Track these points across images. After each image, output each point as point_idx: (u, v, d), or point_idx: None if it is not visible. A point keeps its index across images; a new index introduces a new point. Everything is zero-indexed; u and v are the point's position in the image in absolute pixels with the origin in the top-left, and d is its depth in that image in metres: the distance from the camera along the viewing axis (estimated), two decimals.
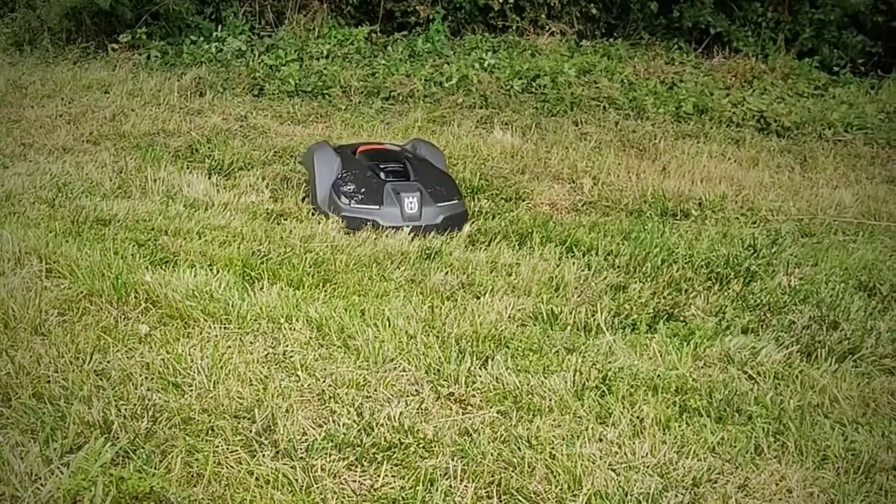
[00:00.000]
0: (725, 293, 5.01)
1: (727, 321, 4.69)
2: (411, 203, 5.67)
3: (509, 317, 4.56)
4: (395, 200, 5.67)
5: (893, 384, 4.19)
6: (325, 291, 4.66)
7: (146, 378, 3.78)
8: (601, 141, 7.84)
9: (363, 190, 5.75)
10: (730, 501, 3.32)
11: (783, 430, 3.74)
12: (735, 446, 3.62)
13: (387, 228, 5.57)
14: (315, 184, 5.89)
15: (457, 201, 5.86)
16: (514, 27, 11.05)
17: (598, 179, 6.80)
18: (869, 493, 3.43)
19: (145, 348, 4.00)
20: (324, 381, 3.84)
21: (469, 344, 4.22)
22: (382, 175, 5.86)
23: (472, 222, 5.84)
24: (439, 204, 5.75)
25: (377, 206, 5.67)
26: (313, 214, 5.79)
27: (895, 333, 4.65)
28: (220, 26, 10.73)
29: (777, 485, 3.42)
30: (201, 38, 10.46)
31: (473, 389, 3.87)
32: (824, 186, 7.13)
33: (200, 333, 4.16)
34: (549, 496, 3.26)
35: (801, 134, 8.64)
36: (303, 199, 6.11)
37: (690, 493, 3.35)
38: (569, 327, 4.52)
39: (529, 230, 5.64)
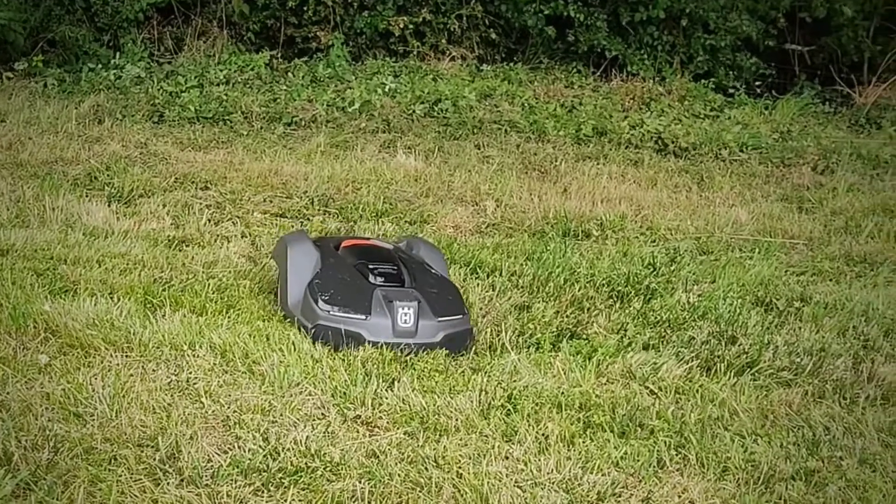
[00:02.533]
0: (626, 311, 5.09)
1: (629, 338, 4.77)
2: (406, 315, 4.49)
3: None
4: (385, 310, 4.48)
5: (791, 396, 4.30)
6: (229, 317, 4.63)
7: (46, 408, 3.71)
8: (503, 164, 7.92)
9: (347, 294, 4.58)
10: None
11: (684, 444, 3.81)
12: (638, 460, 3.68)
13: (373, 345, 4.42)
14: (286, 282, 4.76)
15: (461, 316, 4.64)
16: (415, 52, 11.12)
17: (500, 201, 6.87)
18: (769, 502, 3.51)
19: (45, 378, 3.93)
20: (228, 407, 3.81)
21: (375, 366, 4.23)
22: (371, 277, 4.72)
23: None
24: (440, 318, 4.54)
25: (363, 317, 4.47)
26: (285, 319, 4.70)
27: (792, 347, 4.77)
28: (118, 53, 10.61)
29: (679, 497, 3.48)
30: (99, 66, 10.33)
31: (380, 411, 3.88)
32: (721, 205, 7.29)
33: (102, 362, 4.11)
34: None
35: (697, 154, 8.83)
36: (277, 302, 4.93)
37: None
38: (474, 347, 4.56)
39: None
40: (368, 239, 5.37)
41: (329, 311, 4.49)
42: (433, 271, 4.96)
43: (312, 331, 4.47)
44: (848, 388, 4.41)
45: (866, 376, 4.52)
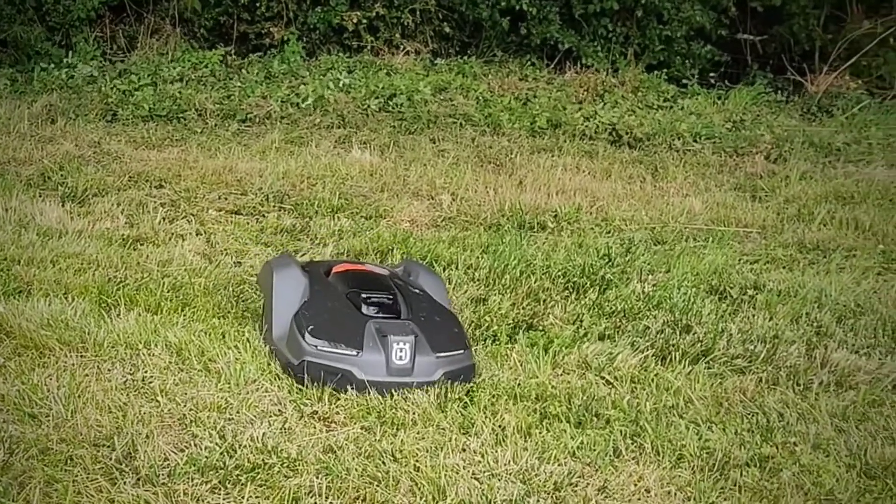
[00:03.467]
0: (582, 302, 5.11)
1: (584, 329, 4.79)
2: (402, 350, 4.05)
3: None
4: (379, 345, 4.05)
5: (745, 383, 4.34)
6: (185, 315, 4.62)
7: (1, 410, 3.69)
8: (459, 157, 7.93)
9: (336, 327, 4.13)
10: (590, 503, 3.40)
11: (640, 432, 3.85)
12: (594, 450, 3.70)
13: (365, 384, 4.00)
14: (271, 312, 4.32)
15: (463, 352, 4.21)
16: (369, 47, 11.11)
17: (456, 195, 6.88)
18: (724, 489, 3.55)
19: (0, 380, 3.91)
20: (185, 406, 3.80)
21: None
22: (364, 308, 4.26)
23: (336, 242, 5.83)
24: (439, 354, 4.11)
25: (355, 352, 4.03)
26: (271, 354, 4.25)
27: (745, 334, 4.81)
28: (70, 52, 10.53)
29: (636, 485, 3.51)
30: (52, 65, 10.25)
31: (337, 407, 3.88)
32: (675, 195, 7.34)
33: (56, 362, 4.08)
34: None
35: (651, 145, 8.88)
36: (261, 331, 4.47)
37: (552, 497, 3.42)
38: None
39: (390, 247, 5.67)
40: (362, 264, 4.94)
41: (316, 346, 4.04)
42: (432, 300, 4.51)
43: (298, 367, 4.03)
44: (801, 374, 4.46)
45: (819, 362, 4.57)
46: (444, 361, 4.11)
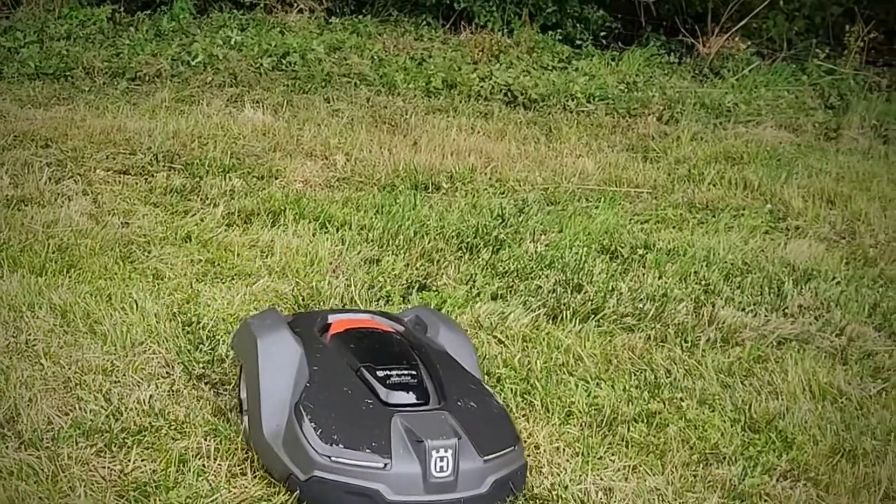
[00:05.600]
0: (475, 262, 5.13)
1: (477, 289, 4.81)
2: (443, 460, 3.02)
3: (265, 296, 4.53)
4: (412, 452, 3.02)
5: (633, 341, 4.40)
6: (70, 277, 4.51)
7: None
8: (353, 117, 7.87)
9: (354, 426, 3.08)
10: None
11: (530, 390, 3.88)
12: None
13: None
14: (258, 402, 3.22)
15: (513, 449, 3.22)
16: (261, 4, 10.93)
17: (350, 155, 6.83)
18: (612, 444, 3.60)
19: None
20: (69, 369, 3.72)
21: (225, 325, 4.18)
22: (383, 392, 3.20)
23: (227, 202, 5.72)
24: (488, 457, 3.11)
25: (382, 464, 3.00)
26: (258, 454, 3.26)
27: (635, 293, 4.88)
28: None
29: (525, 441, 3.53)
30: None
31: (226, 370, 3.84)
32: (568, 156, 7.38)
33: None
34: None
35: (546, 106, 8.91)
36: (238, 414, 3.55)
37: None
38: (324, 303, 4.54)
39: (282, 207, 5.61)
40: (362, 314, 3.80)
41: (331, 457, 3.01)
42: (462, 371, 3.49)
43: (307, 484, 3.04)
44: (689, 331, 4.53)
45: (707, 320, 4.65)
46: (494, 466, 3.13)
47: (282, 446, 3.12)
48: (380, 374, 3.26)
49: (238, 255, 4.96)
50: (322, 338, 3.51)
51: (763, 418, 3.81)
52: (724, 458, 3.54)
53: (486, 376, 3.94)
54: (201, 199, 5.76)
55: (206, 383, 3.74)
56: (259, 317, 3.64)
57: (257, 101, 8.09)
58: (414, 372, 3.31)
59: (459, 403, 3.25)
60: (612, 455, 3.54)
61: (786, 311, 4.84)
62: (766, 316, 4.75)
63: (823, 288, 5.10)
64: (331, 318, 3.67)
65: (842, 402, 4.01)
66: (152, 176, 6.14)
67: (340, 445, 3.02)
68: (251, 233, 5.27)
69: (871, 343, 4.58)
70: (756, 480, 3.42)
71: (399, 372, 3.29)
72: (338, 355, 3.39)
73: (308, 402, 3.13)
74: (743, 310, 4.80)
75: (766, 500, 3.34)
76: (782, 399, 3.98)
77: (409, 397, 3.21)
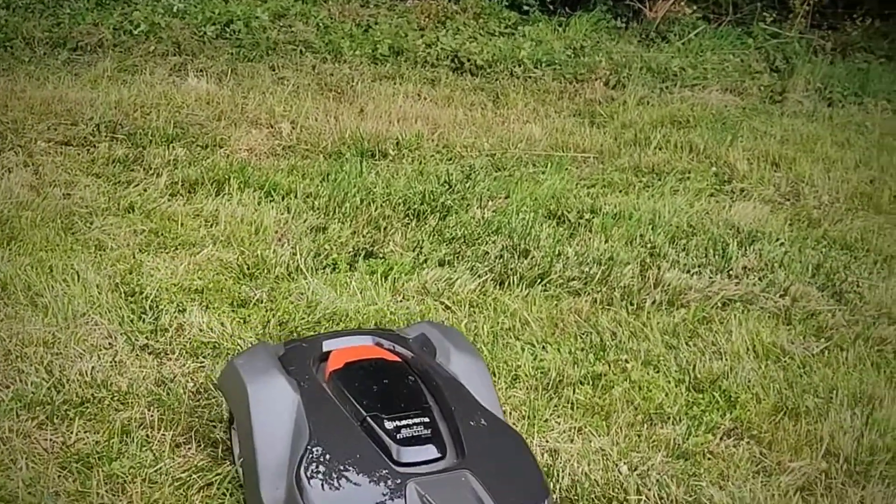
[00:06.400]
0: (422, 228, 5.11)
1: (424, 255, 4.80)
2: None
3: (209, 266, 4.50)
4: None
5: (580, 304, 4.42)
6: (10, 250, 4.45)
7: None
8: (299, 85, 7.80)
9: (361, 492, 2.68)
10: None
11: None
12: None
13: None
14: (254, 465, 2.83)
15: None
16: None
17: (296, 123, 6.77)
18: (558, 406, 3.62)
19: None
20: (10, 341, 3.68)
21: (169, 295, 4.14)
22: (394, 449, 2.79)
23: (171, 171, 5.66)
24: None
25: None
26: None
27: (582, 257, 4.89)
28: None
29: None
30: None
31: (170, 340, 3.81)
32: (515, 122, 7.37)
33: None
34: None
35: (493, 72, 8.88)
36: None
37: None
38: (270, 271, 4.51)
39: (227, 176, 5.55)
40: (362, 335, 3.34)
41: None
42: (480, 409, 3.01)
43: None
44: (635, 294, 4.56)
45: (652, 282, 4.67)
46: None
47: None
48: (388, 426, 2.83)
49: (182, 224, 4.91)
50: (319, 375, 3.08)
51: (707, 378, 3.85)
52: (669, 418, 3.58)
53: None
54: (144, 169, 5.70)
55: (149, 353, 3.71)
56: (247, 356, 3.17)
57: (201, 70, 8.00)
58: (426, 419, 2.89)
59: (480, 454, 2.82)
60: (558, 417, 3.56)
61: (730, 272, 4.87)
62: (710, 277, 4.78)
63: (767, 249, 5.15)
64: (327, 346, 3.21)
65: (785, 361, 4.06)
66: (94, 146, 6.06)
67: None
68: (195, 202, 5.22)
69: (814, 303, 4.63)
70: (700, 439, 3.46)
71: (410, 422, 2.87)
72: (339, 402, 2.94)
73: (311, 471, 2.70)
74: (688, 272, 4.83)
75: (709, 458, 3.37)
76: (726, 359, 4.02)
77: (424, 453, 2.79)
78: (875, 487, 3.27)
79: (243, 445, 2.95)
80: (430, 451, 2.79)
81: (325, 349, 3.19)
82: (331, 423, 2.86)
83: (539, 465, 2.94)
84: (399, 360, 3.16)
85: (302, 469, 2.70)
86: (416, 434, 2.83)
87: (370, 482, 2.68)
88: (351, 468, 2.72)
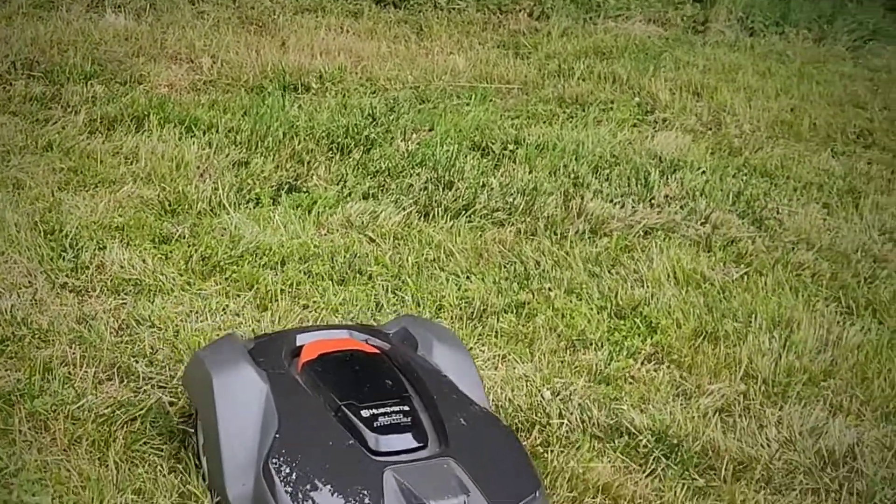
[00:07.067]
0: (346, 162, 5.09)
1: (348, 188, 4.79)
2: None
3: (130, 203, 4.45)
4: None
5: (504, 235, 4.45)
6: None
7: None
8: (219, 19, 7.67)
9: (335, 485, 2.47)
10: None
11: (402, 286, 3.91)
12: (356, 305, 3.74)
13: None
14: (219, 459, 2.63)
15: (534, 497, 2.57)
16: None
17: (217, 58, 6.67)
18: (482, 335, 3.66)
19: None
20: None
21: (89, 232, 4.09)
22: (371, 438, 2.59)
23: (89, 109, 5.56)
24: None
25: None
26: None
27: (506, 188, 4.91)
28: None
29: None
30: None
31: (90, 278, 3.77)
32: (439, 54, 7.33)
33: None
34: (175, 371, 3.25)
35: (416, 4, 8.78)
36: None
37: None
38: (191, 207, 4.47)
39: (146, 113, 5.47)
40: (338, 329, 3.16)
41: None
42: (464, 398, 2.83)
43: None
44: (558, 224, 4.59)
45: (576, 212, 4.71)
46: None
47: None
48: (365, 414, 2.63)
49: (101, 162, 4.84)
50: (292, 368, 2.85)
51: (629, 305, 3.90)
52: (591, 344, 3.63)
53: (357, 274, 3.96)
54: (62, 107, 5.59)
55: (69, 291, 3.68)
56: (213, 348, 2.96)
57: (119, 6, 7.81)
58: (406, 407, 2.68)
59: (464, 444, 2.62)
60: (483, 346, 3.59)
61: (652, 201, 4.92)
62: (633, 207, 4.83)
63: (689, 178, 5.20)
64: (300, 340, 2.99)
65: (705, 288, 4.12)
66: (10, 84, 5.92)
67: None
68: (115, 139, 5.14)
69: (734, 230, 4.70)
70: (621, 364, 3.51)
71: (388, 410, 2.66)
72: (312, 392, 2.74)
73: (278, 460, 2.51)
74: (611, 201, 4.87)
75: (630, 383, 3.43)
76: (647, 286, 4.07)
77: (403, 442, 2.59)
78: (792, 407, 3.35)
79: (208, 441, 2.75)
80: (409, 440, 2.60)
81: (298, 343, 2.97)
82: (302, 412, 2.67)
83: (530, 458, 2.78)
84: (377, 351, 2.95)
85: (270, 460, 2.50)
86: (395, 422, 2.63)
87: (344, 472, 2.49)
88: (323, 458, 2.52)
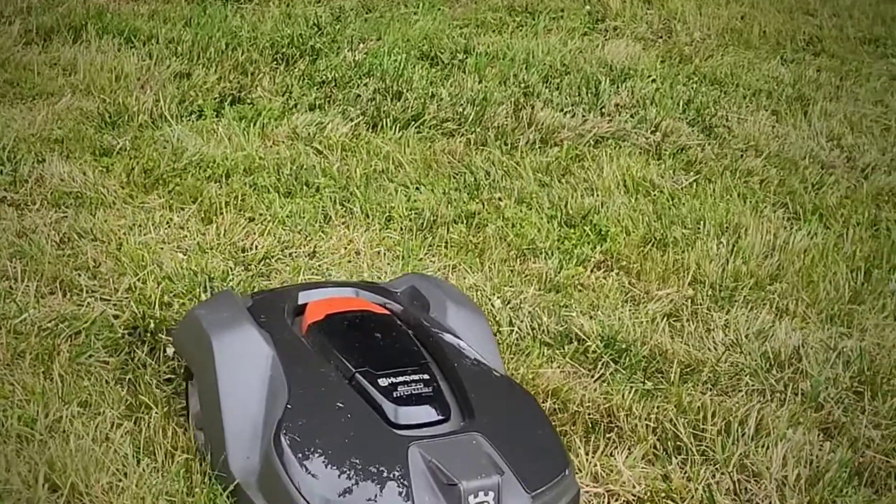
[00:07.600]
0: (292, 72, 5.00)
1: (294, 100, 4.71)
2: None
3: (69, 115, 4.34)
4: (441, 499, 2.17)
5: (454, 145, 4.40)
6: None
7: None
8: None
9: (360, 464, 2.20)
10: (301, 269, 3.39)
11: (350, 198, 3.86)
12: (304, 217, 3.69)
13: None
14: (220, 428, 2.39)
15: (564, 475, 2.34)
16: None
17: None
18: (432, 245, 3.63)
19: None
20: None
21: (27, 145, 4.00)
22: (391, 410, 2.34)
23: (24, 19, 5.40)
24: (536, 492, 2.25)
25: None
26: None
27: (455, 98, 4.84)
28: None
29: (346, 248, 3.54)
30: None
31: (30, 191, 3.69)
32: None
33: None
34: (119, 284, 3.19)
35: None
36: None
37: (263, 265, 3.40)
38: (132, 119, 4.37)
39: (84, 23, 5.31)
40: (342, 287, 2.88)
41: None
42: (483, 367, 2.58)
43: None
44: (509, 133, 4.55)
45: (526, 122, 4.66)
46: (546, 501, 2.28)
47: (258, 491, 2.28)
48: (382, 382, 2.38)
49: (38, 74, 4.72)
50: (295, 328, 2.64)
51: (578, 214, 3.88)
52: (541, 253, 3.60)
53: (304, 187, 3.91)
54: None
55: (8, 205, 3.60)
56: (210, 306, 2.71)
57: None
58: (426, 376, 2.44)
59: (491, 418, 2.37)
60: (433, 256, 3.57)
61: (603, 110, 4.88)
62: (583, 116, 4.78)
63: (639, 86, 5.16)
64: (303, 298, 2.75)
65: (654, 195, 4.10)
66: None
67: (344, 495, 2.16)
68: (51, 51, 5.00)
69: (684, 138, 4.68)
70: (571, 272, 3.50)
71: (407, 378, 2.41)
72: (322, 356, 2.50)
73: (292, 432, 2.26)
74: (561, 111, 4.82)
75: (580, 290, 3.42)
76: (597, 195, 4.05)
77: (426, 414, 2.35)
78: (738, 311, 3.36)
79: (206, 409, 2.49)
80: (432, 413, 2.36)
81: (301, 301, 2.74)
82: (313, 380, 2.42)
83: (557, 433, 2.55)
84: (388, 313, 2.71)
85: (281, 433, 2.25)
86: (416, 392, 2.38)
87: (366, 448, 2.24)
88: (340, 432, 2.28)
